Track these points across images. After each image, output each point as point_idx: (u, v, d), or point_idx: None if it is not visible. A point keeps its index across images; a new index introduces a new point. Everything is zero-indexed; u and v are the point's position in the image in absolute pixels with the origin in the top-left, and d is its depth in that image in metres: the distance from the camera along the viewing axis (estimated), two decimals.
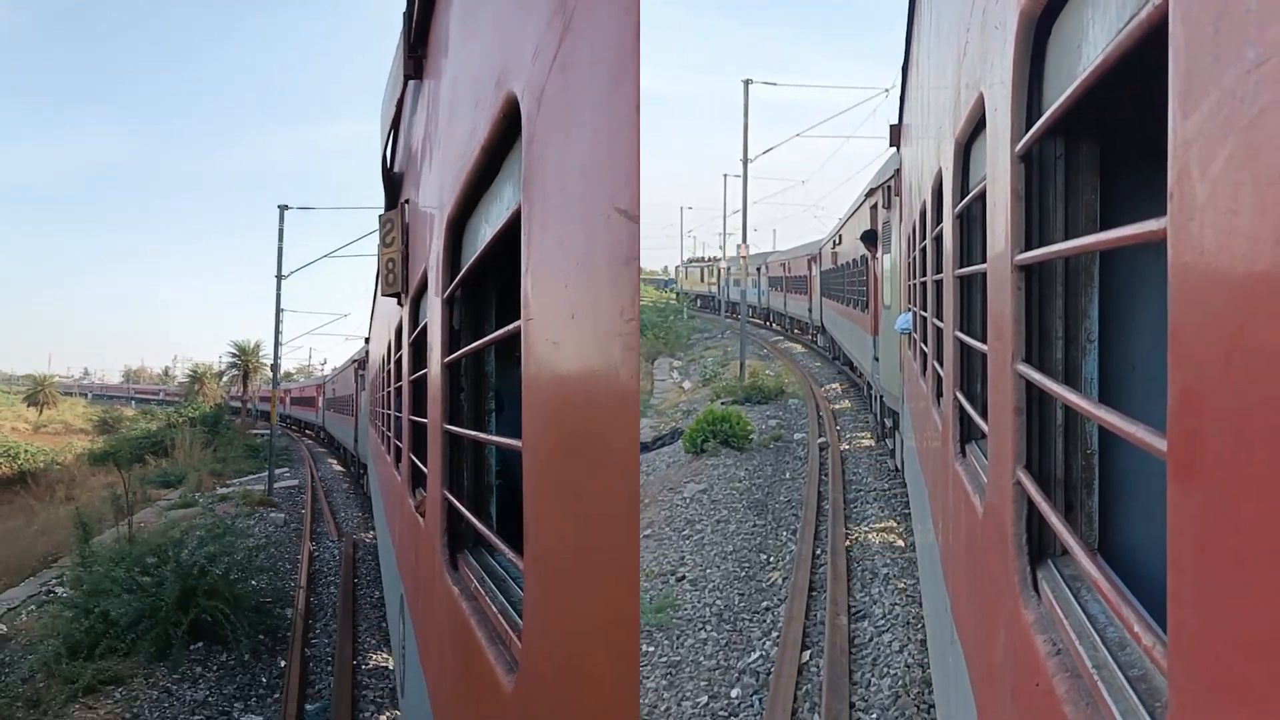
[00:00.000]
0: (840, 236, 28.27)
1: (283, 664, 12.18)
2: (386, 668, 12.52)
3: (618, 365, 1.67)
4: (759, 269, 61.11)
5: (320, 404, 53.00)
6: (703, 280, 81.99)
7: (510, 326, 2.57)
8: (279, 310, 32.41)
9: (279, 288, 32.05)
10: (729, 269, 60.93)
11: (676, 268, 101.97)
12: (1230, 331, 1.10)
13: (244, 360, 76.54)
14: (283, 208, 31.43)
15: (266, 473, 32.76)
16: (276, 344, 32.97)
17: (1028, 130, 2.68)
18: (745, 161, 35.84)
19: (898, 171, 15.02)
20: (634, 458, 1.60)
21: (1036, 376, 2.62)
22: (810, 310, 40.79)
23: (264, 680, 11.82)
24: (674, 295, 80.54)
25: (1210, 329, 1.15)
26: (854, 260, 23.85)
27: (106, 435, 68.05)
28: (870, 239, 18.90)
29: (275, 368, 35.23)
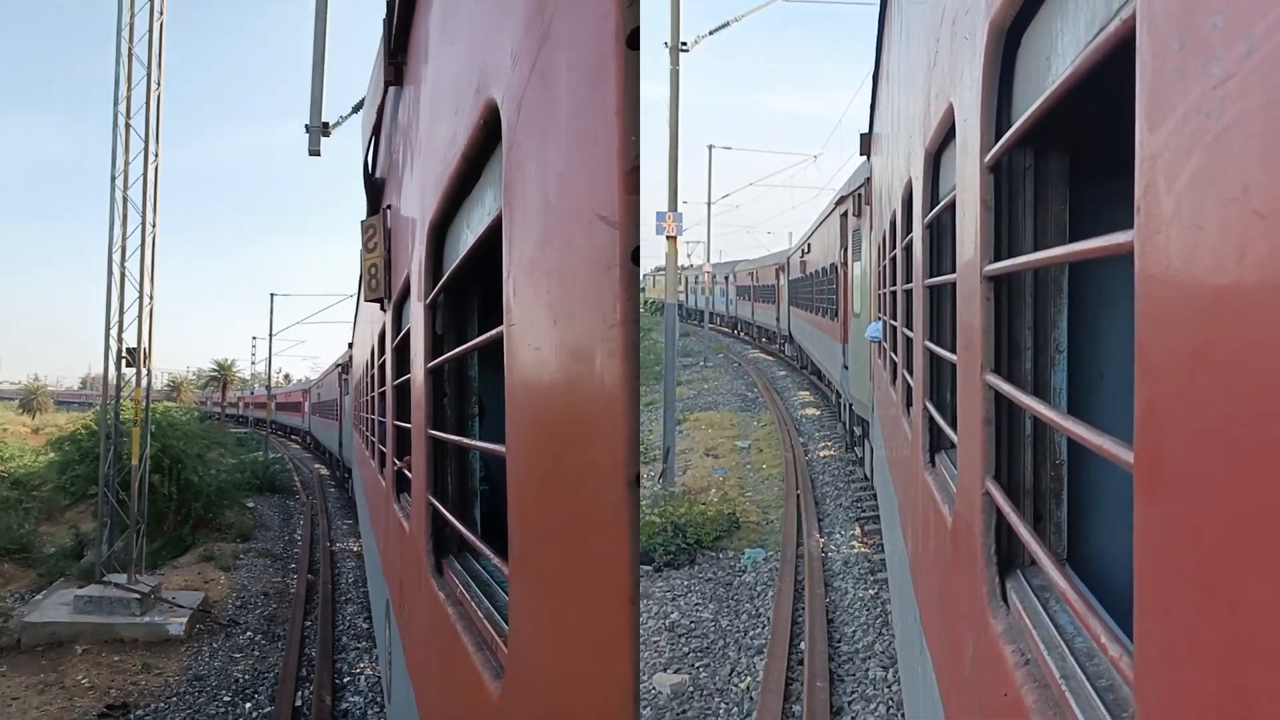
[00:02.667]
0: (809, 245, 28.37)
1: (298, 496, 35.98)
2: (338, 493, 34.58)
3: (601, 371, 1.67)
4: (727, 277, 61.28)
5: (306, 409, 54.55)
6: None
7: (493, 332, 2.57)
8: (270, 359, 57.27)
9: (270, 344, 53.46)
10: (697, 277, 60.77)
11: (645, 275, 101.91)
12: (1195, 345, 1.10)
13: (223, 374, 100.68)
14: (272, 295, 50.25)
15: (257, 452, 48.09)
16: (269, 374, 58.16)
17: (997, 141, 2.69)
18: (675, 49, 19.85)
19: (868, 180, 15.10)
20: (619, 464, 1.60)
21: (1005, 387, 2.63)
22: (778, 319, 40.87)
23: (294, 498, 35.25)
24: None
25: (1176, 342, 1.16)
26: (823, 269, 23.95)
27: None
28: (845, 243, 18.98)
29: (269, 387, 60.72)
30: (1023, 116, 2.33)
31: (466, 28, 3.08)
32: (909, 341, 6.36)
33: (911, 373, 5.83)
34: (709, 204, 47.55)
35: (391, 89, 5.47)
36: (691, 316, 71.04)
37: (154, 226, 17.80)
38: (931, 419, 4.80)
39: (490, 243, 2.67)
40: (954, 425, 3.53)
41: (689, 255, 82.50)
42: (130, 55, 17.44)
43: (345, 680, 13.67)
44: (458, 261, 3.48)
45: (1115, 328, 3.47)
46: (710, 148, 47.28)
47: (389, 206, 6.08)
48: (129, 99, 17.52)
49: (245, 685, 13.63)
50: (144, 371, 18.06)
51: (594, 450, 1.73)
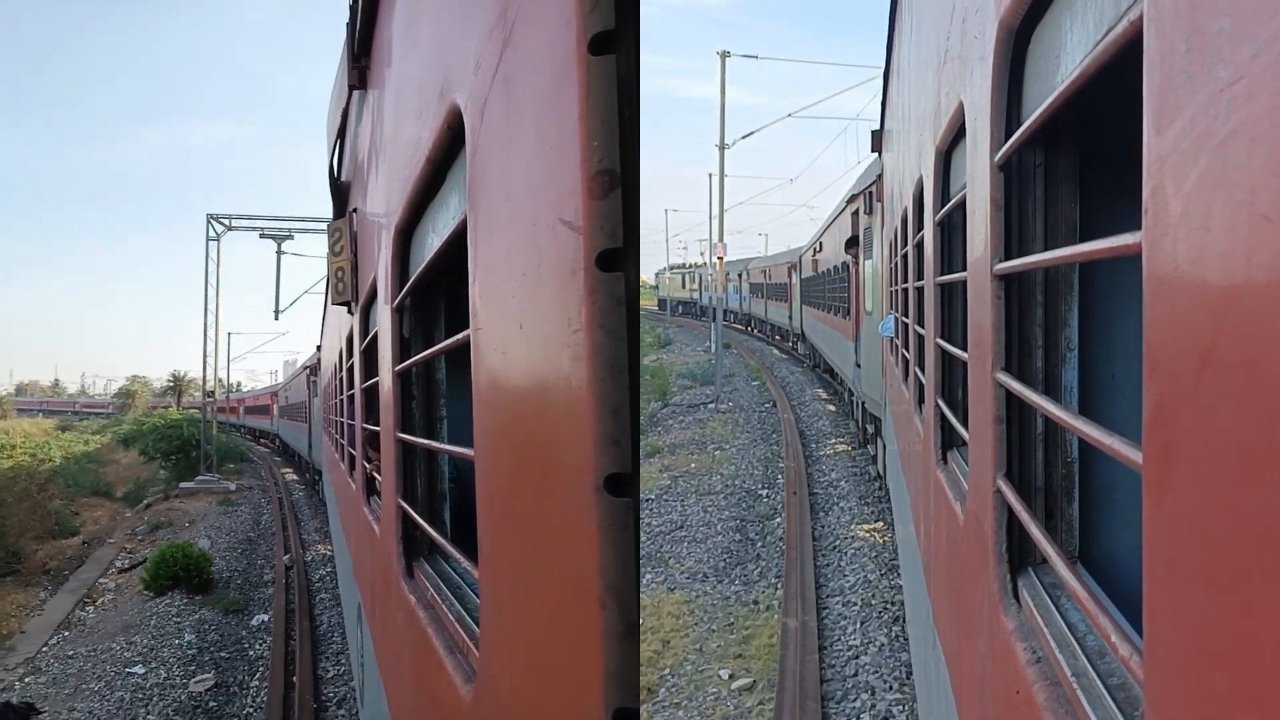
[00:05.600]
0: (821, 244, 28.31)
1: (254, 462, 54.05)
2: (282, 459, 54.93)
3: (567, 375, 1.68)
4: (740, 275, 61.30)
5: (275, 411, 56.18)
6: (684, 287, 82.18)
7: (460, 335, 2.58)
8: (228, 372, 66.00)
9: (227, 369, 67.28)
10: (710, 274, 60.34)
11: (657, 274, 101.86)
12: (1203, 347, 1.11)
13: (178, 384, 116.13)
14: (230, 333, 64.56)
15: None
16: (227, 388, 60.75)
17: (1007, 139, 2.69)
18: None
19: (879, 177, 15.09)
20: (587, 468, 1.60)
21: (1016, 386, 2.63)
22: (790, 317, 40.83)
23: (255, 464, 52.16)
24: (656, 304, 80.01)
25: (1184, 344, 1.17)
26: (835, 267, 23.91)
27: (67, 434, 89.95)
28: (853, 244, 18.96)
29: (229, 394, 63.18)
30: (1033, 115, 2.33)
31: (430, 32, 3.09)
32: (920, 338, 6.36)
33: (923, 369, 5.83)
34: (720, 147, 31.44)
35: (355, 93, 5.48)
36: (706, 314, 70.90)
37: (215, 353, 41.70)
38: (943, 416, 4.79)
39: (456, 246, 2.68)
40: (965, 423, 3.53)
41: (701, 253, 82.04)
42: (206, 281, 40.14)
43: (296, 501, 34.56)
44: (424, 265, 3.49)
45: (1128, 326, 3.46)
46: (723, 55, 30.67)
47: (355, 210, 6.08)
48: (206, 300, 40.53)
49: (259, 499, 35.99)
50: (214, 398, 43.37)
51: (561, 454, 1.74)
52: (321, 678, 14.05)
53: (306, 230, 39.11)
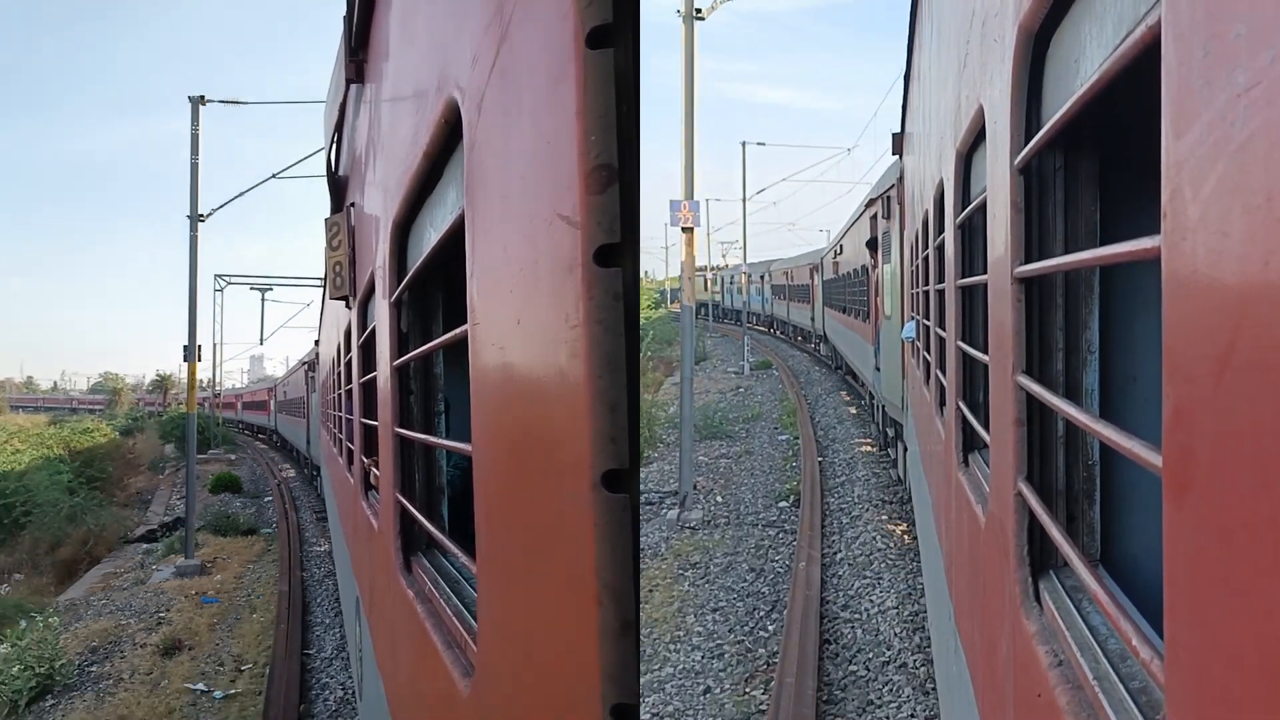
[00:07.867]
0: (842, 246, 28.27)
1: (241, 446, 62.54)
2: (266, 442, 66.11)
3: (565, 371, 1.68)
4: (763, 276, 61.33)
5: (272, 407, 58.56)
6: (706, 289, 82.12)
7: (457, 330, 2.58)
8: (216, 375, 69.65)
9: (218, 370, 69.26)
10: (733, 277, 60.10)
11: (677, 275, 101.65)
12: (1222, 349, 1.11)
13: (164, 383, 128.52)
14: (215, 344, 66.44)
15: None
16: (218, 387, 68.90)
17: (1027, 143, 2.69)
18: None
19: (899, 180, 15.06)
20: (584, 464, 1.60)
21: (1037, 388, 2.62)
22: (813, 319, 40.77)
23: (243, 447, 61.11)
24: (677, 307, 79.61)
25: (1203, 347, 1.17)
26: (854, 270, 23.86)
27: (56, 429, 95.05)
28: (872, 247, 18.94)
29: (218, 395, 71.46)
30: (1052, 118, 2.33)
31: (426, 26, 3.09)
32: (941, 341, 6.34)
33: (944, 372, 5.82)
34: (689, 17, 17.68)
35: (353, 86, 5.49)
36: (728, 316, 70.76)
37: (222, 361, 58.05)
38: (964, 419, 4.79)
39: (454, 241, 2.69)
40: (986, 425, 3.53)
41: (724, 255, 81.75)
42: (214, 321, 58.02)
43: (285, 471, 44.53)
44: (422, 260, 3.50)
45: (1149, 329, 3.45)
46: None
47: (352, 204, 6.10)
48: (213, 333, 58.41)
49: (257, 464, 49.91)
50: (219, 394, 65.93)
51: (558, 450, 1.74)
52: (297, 502, 32.34)
53: (282, 285, 55.07)
